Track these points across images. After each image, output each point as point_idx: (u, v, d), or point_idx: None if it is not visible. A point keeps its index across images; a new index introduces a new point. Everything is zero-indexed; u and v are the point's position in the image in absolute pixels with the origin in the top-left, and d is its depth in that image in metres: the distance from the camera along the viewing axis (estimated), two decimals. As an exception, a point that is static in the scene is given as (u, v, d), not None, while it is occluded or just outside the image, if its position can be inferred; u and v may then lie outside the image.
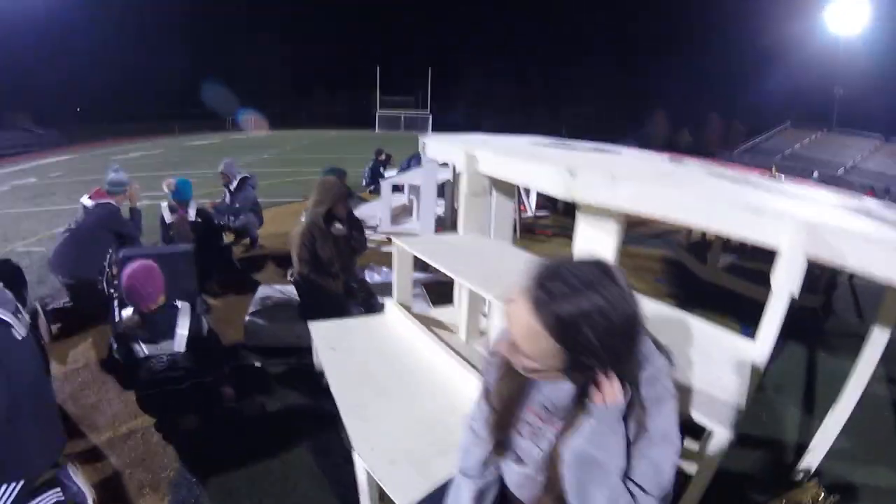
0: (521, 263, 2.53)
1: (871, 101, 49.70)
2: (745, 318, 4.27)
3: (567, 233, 8.32)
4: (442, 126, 48.09)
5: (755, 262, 6.64)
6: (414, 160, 9.77)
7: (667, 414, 1.02)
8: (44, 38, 46.89)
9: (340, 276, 3.97)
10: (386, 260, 5.83)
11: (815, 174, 25.31)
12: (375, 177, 11.52)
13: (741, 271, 6.53)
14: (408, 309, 3.24)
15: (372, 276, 5.44)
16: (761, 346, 1.96)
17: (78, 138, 31.89)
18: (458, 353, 2.70)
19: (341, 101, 64.19)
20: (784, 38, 55.17)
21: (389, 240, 6.74)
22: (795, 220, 1.74)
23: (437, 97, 52.18)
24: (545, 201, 9.81)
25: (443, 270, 2.65)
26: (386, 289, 4.68)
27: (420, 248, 2.89)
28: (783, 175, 5.07)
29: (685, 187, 2.32)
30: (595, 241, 2.51)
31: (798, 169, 41.12)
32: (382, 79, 50.83)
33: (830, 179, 35.30)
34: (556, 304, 0.87)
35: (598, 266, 0.93)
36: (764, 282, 6.12)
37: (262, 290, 4.76)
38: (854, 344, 2.60)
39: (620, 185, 2.14)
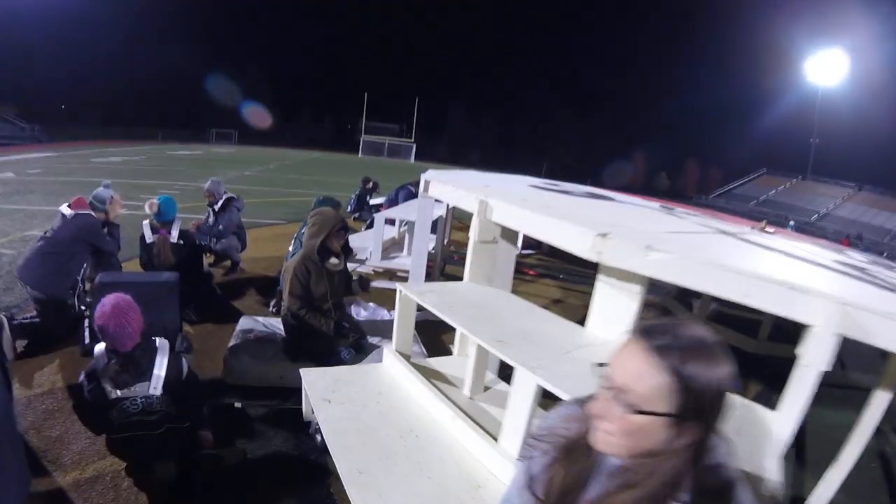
0: (534, 320, 2.41)
1: (846, 151, 51.68)
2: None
3: (552, 274, 8.42)
4: (424, 155, 48.58)
5: (738, 309, 6.64)
6: (402, 191, 9.65)
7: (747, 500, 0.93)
8: (40, 32, 46.36)
9: (332, 315, 3.79)
10: (373, 296, 5.68)
11: (792, 223, 25.81)
12: (362, 204, 11.53)
13: (726, 319, 6.57)
14: (408, 359, 3.08)
15: (358, 312, 5.25)
16: (786, 419, 1.88)
17: (61, 136, 31.37)
18: (465, 412, 2.55)
19: (326, 124, 64.50)
20: (763, 87, 57.17)
21: (375, 273, 6.71)
22: (831, 299, 1.72)
23: (422, 127, 52.55)
24: (530, 240, 9.78)
25: (455, 326, 2.52)
26: (373, 327, 4.54)
27: (429, 299, 2.75)
28: (773, 228, 5.12)
29: (715, 256, 2.25)
30: (616, 301, 2.47)
31: (772, 215, 42.85)
32: (369, 105, 51.33)
33: (805, 226, 36.61)
34: (678, 342, 0.87)
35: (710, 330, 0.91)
36: (747, 330, 6.18)
37: (244, 322, 4.52)
38: (849, 395, 2.58)
39: (653, 254, 2.04)
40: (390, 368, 3.15)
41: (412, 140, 51.74)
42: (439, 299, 2.75)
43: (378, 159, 45.94)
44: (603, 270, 2.46)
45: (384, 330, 4.37)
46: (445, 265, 7.27)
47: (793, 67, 53.60)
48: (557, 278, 8.35)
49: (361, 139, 51.66)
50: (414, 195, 8.71)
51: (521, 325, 2.55)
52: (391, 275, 6.93)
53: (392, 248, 8.08)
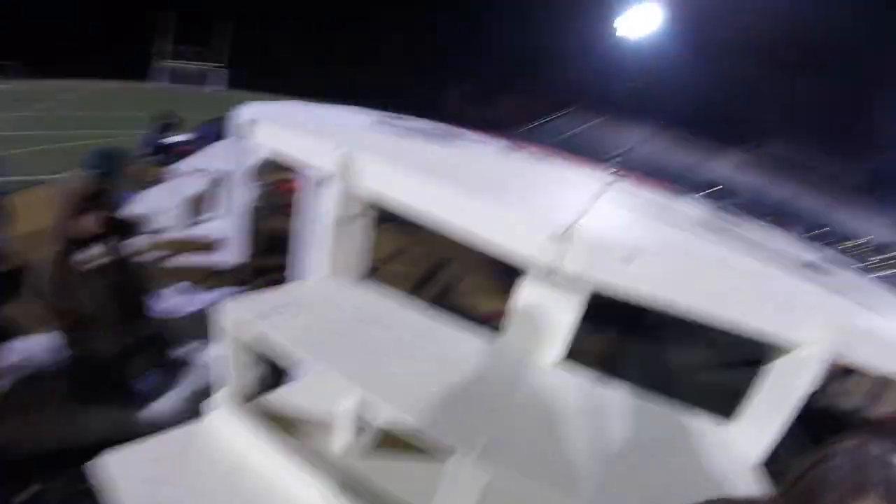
0: (446, 342, 1.63)
1: (652, 93, 57.33)
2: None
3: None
4: (237, 84, 42.68)
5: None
6: (208, 129, 7.81)
7: None
8: None
9: (118, 330, 2.60)
10: (182, 275, 4.39)
11: (612, 157, 27.69)
12: (157, 147, 8.97)
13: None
14: (251, 411, 2.08)
15: (166, 305, 3.79)
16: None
17: None
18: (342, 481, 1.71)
19: (121, 48, 54.70)
20: (579, 34, 60.77)
21: (183, 245, 5.09)
22: (824, 320, 1.61)
23: (239, 51, 46.35)
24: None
25: (337, 375, 1.61)
26: (190, 324, 3.39)
27: (280, 326, 1.76)
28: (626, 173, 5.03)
29: (708, 267, 1.81)
30: (545, 318, 1.86)
31: (583, 150, 46.66)
32: (178, 26, 43.28)
33: (609, 157, 40.20)
34: None
35: None
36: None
37: (16, 350, 3.04)
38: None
39: (638, 264, 1.41)
40: (222, 429, 2.08)
41: (224, 65, 45.50)
42: (296, 324, 1.80)
43: (186, 89, 39.55)
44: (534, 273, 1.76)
45: (200, 324, 3.25)
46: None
47: (613, 14, 57.94)
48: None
49: (167, 65, 43.21)
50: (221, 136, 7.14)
51: (432, 353, 1.80)
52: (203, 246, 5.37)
53: (198, 208, 5.73)
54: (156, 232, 4.78)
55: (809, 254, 3.92)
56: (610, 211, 2.33)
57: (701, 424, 1.89)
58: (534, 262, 1.59)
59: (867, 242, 26.91)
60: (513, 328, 1.93)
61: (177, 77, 42.84)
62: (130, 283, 2.82)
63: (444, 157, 2.73)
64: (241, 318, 1.79)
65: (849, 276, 2.94)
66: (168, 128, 9.30)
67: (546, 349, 1.88)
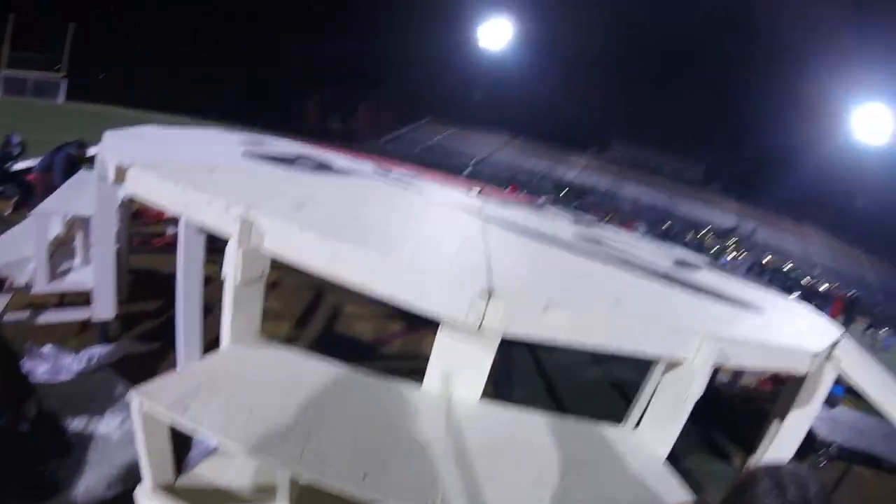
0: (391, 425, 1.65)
1: (504, 103, 60.54)
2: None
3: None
4: (79, 94, 37.42)
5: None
6: (59, 156, 6.76)
7: None
8: None
9: (7, 411, 2.27)
10: (47, 335, 3.91)
11: (469, 168, 28.43)
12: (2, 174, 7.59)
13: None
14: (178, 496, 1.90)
15: (35, 370, 3.30)
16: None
17: None
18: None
19: None
20: (434, 43, 62.56)
21: (44, 301, 4.39)
22: (708, 339, 1.88)
23: (82, 57, 40.91)
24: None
25: (269, 458, 1.56)
26: (72, 392, 3.04)
27: (199, 414, 1.64)
28: (482, 188, 5.27)
29: (609, 312, 1.95)
30: (462, 366, 1.95)
31: (438, 160, 47.97)
32: (16, 30, 37.52)
33: (466, 168, 41.53)
34: None
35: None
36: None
37: None
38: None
39: (555, 314, 1.54)
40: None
41: (62, 74, 39.60)
42: (214, 410, 1.69)
43: (22, 100, 34.14)
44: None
45: (83, 391, 2.97)
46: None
47: (465, 31, 60.48)
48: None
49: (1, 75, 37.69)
50: (75, 163, 6.43)
51: (357, 411, 1.81)
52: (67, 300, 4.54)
53: (58, 255, 4.62)
54: (12, 287, 4.08)
55: (669, 257, 4.37)
56: (503, 248, 2.45)
57: (609, 433, 2.10)
58: (454, 321, 1.66)
59: (709, 231, 30.11)
60: (432, 375, 1.98)
61: (11, 87, 37.13)
62: (3, 351, 2.48)
63: (337, 201, 2.72)
64: (155, 410, 1.66)
65: (708, 274, 3.33)
66: (7, 153, 7.94)
67: (467, 391, 1.95)
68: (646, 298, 2.27)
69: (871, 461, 3.93)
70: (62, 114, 24.49)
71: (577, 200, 43.82)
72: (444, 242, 2.35)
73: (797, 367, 2.18)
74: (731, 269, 20.26)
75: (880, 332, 20.07)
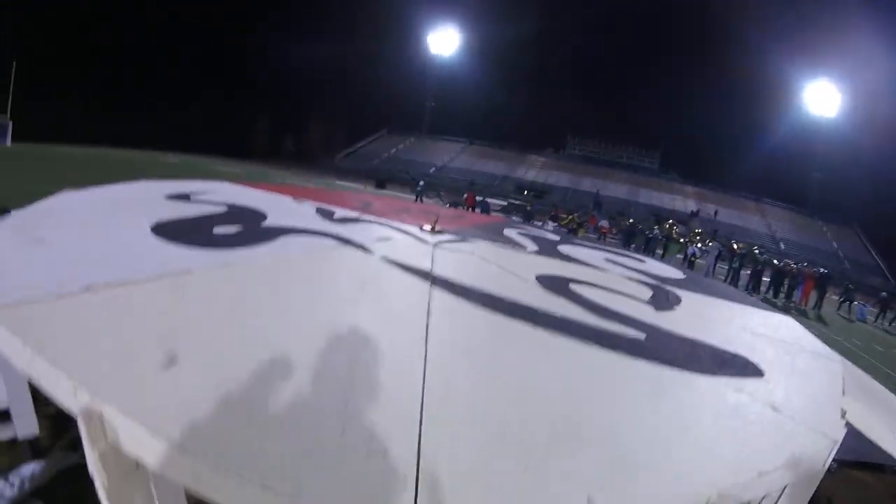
0: None
1: (458, 110, 61.18)
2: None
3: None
4: (26, 135, 35.16)
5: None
6: None
7: None
8: None
9: None
10: None
11: (421, 183, 27.91)
12: None
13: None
14: None
15: None
16: None
17: None
18: None
19: None
20: (385, 53, 62.89)
21: None
22: None
23: (30, 96, 38.44)
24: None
25: None
26: None
27: None
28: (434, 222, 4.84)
29: None
30: None
31: (397, 171, 47.99)
32: None
33: (426, 177, 41.38)
34: None
35: None
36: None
37: None
38: None
39: None
40: None
41: (7, 116, 36.88)
42: None
43: None
44: None
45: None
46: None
47: (415, 39, 61.12)
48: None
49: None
50: None
51: None
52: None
53: None
54: None
55: (646, 289, 3.97)
56: (447, 354, 1.99)
57: None
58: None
59: (673, 225, 30.37)
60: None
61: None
62: None
63: (233, 332, 2.19)
64: None
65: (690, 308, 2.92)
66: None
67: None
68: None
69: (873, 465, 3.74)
70: (6, 155, 23.25)
71: (540, 200, 44.37)
72: (371, 403, 1.85)
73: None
74: (701, 256, 20.38)
75: (853, 304, 20.37)
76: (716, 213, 47.72)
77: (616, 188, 51.60)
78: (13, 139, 31.48)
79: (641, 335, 2.45)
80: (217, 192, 4.92)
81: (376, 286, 2.47)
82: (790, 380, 2.36)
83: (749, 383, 2.12)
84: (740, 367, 2.33)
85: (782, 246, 42.99)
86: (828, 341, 10.31)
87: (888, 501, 3.97)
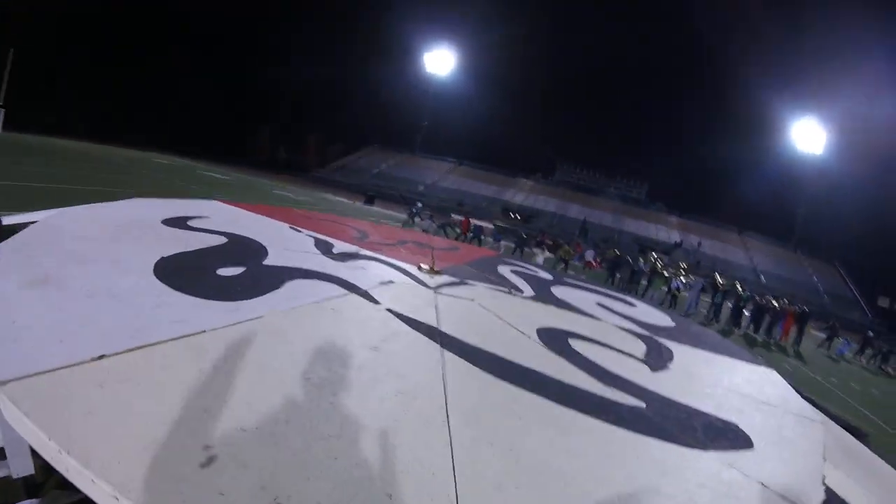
0: None
1: (450, 130, 61.92)
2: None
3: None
4: (22, 124, 34.73)
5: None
6: None
7: None
8: None
9: None
10: None
11: (419, 205, 28.09)
12: None
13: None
14: None
15: None
16: None
17: None
18: None
19: None
20: (382, 69, 63.61)
21: None
22: None
23: (25, 84, 37.99)
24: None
25: None
26: None
27: None
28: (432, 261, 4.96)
29: None
30: None
31: (386, 187, 48.29)
32: None
33: (413, 196, 41.62)
34: None
35: None
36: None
37: None
38: None
39: None
40: None
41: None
42: None
43: None
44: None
45: None
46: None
47: (411, 58, 62.06)
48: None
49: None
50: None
51: None
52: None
53: None
54: None
55: (642, 338, 4.14)
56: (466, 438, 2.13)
57: None
58: None
59: (658, 258, 30.77)
60: None
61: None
62: None
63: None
64: None
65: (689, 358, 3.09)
66: None
67: None
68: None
69: None
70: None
71: (527, 223, 44.85)
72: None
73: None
74: (685, 290, 20.68)
75: (835, 341, 20.78)
76: (699, 244, 48.42)
77: (602, 216, 52.19)
78: (4, 128, 31.36)
79: (642, 404, 2.62)
80: (213, 217, 4.99)
81: (389, 350, 2.57)
82: (776, 450, 2.52)
83: (741, 458, 2.29)
84: (732, 438, 2.50)
85: (763, 279, 43.66)
86: (806, 380, 10.58)
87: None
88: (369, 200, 39.44)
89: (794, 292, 35.41)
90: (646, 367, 3.43)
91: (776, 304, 19.18)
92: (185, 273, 3.04)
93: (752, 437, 2.56)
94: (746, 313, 19.45)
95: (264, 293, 3.00)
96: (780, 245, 52.40)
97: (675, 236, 50.24)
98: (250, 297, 2.85)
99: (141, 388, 1.73)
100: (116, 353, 1.87)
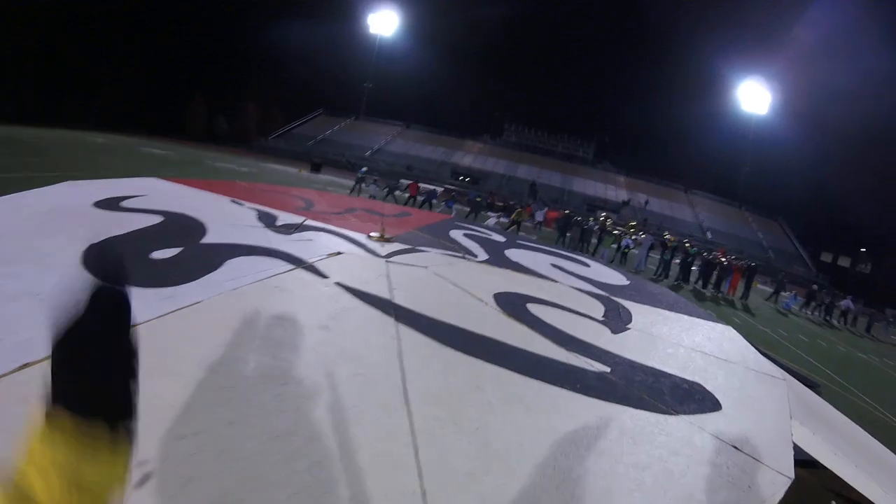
0: None
1: (396, 93, 60.79)
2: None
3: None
4: None
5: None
6: None
7: None
8: None
9: None
10: None
11: (363, 170, 27.40)
12: None
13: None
14: None
15: None
16: None
17: None
18: None
19: None
20: (324, 32, 61.68)
21: None
22: None
23: None
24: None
25: None
26: None
27: None
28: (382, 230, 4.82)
29: None
30: None
31: (333, 153, 47.38)
32: None
33: (361, 161, 41.00)
34: None
35: None
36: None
37: None
38: None
39: None
40: None
41: None
42: None
43: None
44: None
45: None
46: None
47: (355, 20, 60.58)
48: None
49: None
50: None
51: None
52: None
53: None
54: None
55: (599, 298, 4.09)
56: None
57: None
58: None
59: (607, 217, 31.30)
60: None
61: None
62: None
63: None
64: None
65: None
66: None
67: None
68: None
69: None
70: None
71: (476, 185, 44.93)
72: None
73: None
74: (634, 247, 21.08)
75: (782, 295, 21.65)
76: (646, 202, 49.47)
77: (551, 176, 52.59)
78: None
79: (607, 368, 2.55)
80: (150, 195, 4.68)
81: (340, 328, 2.40)
82: (744, 410, 2.50)
83: (710, 420, 2.24)
84: (699, 400, 2.45)
85: (709, 235, 45.05)
86: (756, 333, 10.93)
87: (821, 493, 4.27)
88: (315, 168, 38.47)
89: (741, 248, 36.75)
90: (606, 329, 3.38)
91: (723, 260, 19.78)
92: (116, 262, 2.77)
93: (718, 398, 2.53)
94: (695, 269, 19.99)
95: (202, 275, 2.77)
96: (726, 203, 54.10)
97: (622, 195, 51.15)
98: (187, 281, 2.63)
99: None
100: (40, 361, 1.65)
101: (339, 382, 1.89)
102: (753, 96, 52.68)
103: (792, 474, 1.97)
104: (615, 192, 51.98)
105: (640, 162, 56.72)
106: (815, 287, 23.51)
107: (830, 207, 49.46)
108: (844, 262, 47.01)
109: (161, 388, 1.63)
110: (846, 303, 21.73)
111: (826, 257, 47.03)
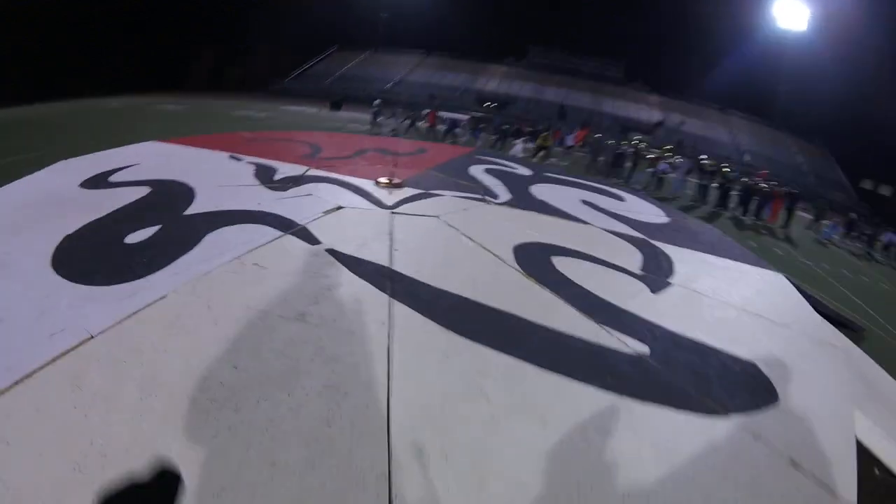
0: None
1: (411, 21, 58.74)
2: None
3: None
4: None
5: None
6: None
7: None
8: None
9: None
10: None
11: (376, 102, 26.43)
12: None
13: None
14: None
15: None
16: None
17: None
18: None
19: None
20: None
21: None
22: None
23: None
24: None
25: None
26: None
27: None
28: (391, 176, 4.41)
29: None
30: None
31: (353, 89, 46.26)
32: None
33: (382, 94, 40.05)
34: None
35: None
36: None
37: None
38: None
39: None
40: None
41: None
42: None
43: None
44: None
45: None
46: None
47: None
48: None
49: None
50: None
51: None
52: None
53: None
54: None
55: (636, 242, 3.67)
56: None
57: None
58: None
59: (641, 140, 30.16)
60: None
61: None
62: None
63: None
64: None
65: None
66: None
67: None
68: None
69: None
70: None
71: (503, 111, 43.60)
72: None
73: None
74: (672, 172, 20.23)
75: (822, 223, 20.78)
76: (681, 123, 47.66)
77: (579, 97, 50.80)
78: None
79: (645, 349, 2.15)
80: (143, 163, 4.47)
81: (319, 317, 2.03)
82: (803, 401, 2.07)
83: (766, 421, 1.84)
84: (753, 389, 2.05)
85: (747, 157, 43.41)
86: (799, 267, 10.36)
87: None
88: (336, 105, 37.45)
89: (778, 171, 35.32)
90: (645, 287, 2.96)
91: (764, 186, 18.86)
92: (88, 251, 2.54)
93: (775, 383, 2.12)
94: (734, 194, 19.15)
95: (176, 257, 2.50)
96: (764, 124, 51.70)
97: (656, 116, 49.25)
98: (157, 269, 2.37)
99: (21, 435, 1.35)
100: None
101: (306, 399, 1.53)
102: (792, 13, 49.52)
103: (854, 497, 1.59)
104: (648, 112, 50.03)
105: (672, 81, 54.26)
106: (853, 216, 22.50)
107: (873, 132, 46.99)
108: (886, 190, 44.93)
109: (112, 414, 1.32)
110: (889, 236, 20.73)
111: (866, 184, 44.96)
